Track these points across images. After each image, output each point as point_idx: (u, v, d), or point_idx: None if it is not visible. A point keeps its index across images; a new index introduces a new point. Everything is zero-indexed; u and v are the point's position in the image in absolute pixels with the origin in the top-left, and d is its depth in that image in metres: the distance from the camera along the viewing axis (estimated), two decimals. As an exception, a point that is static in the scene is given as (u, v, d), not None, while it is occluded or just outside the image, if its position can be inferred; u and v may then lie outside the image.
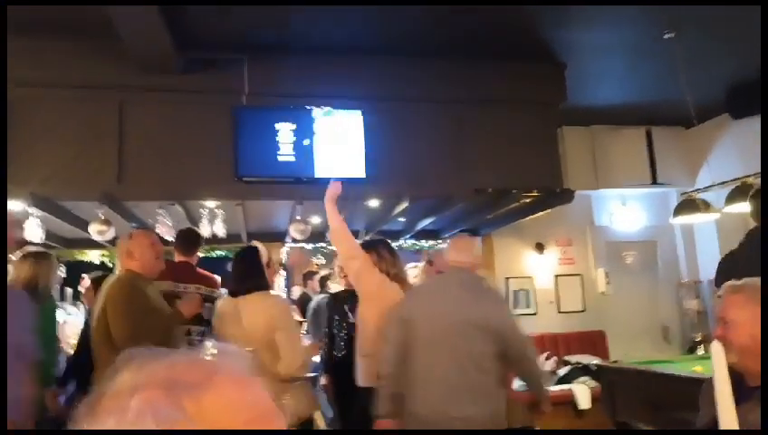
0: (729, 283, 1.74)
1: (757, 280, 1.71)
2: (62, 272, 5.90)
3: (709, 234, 6.28)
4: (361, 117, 4.55)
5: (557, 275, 6.69)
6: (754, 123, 5.52)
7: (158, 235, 3.45)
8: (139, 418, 0.47)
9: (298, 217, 4.98)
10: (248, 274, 3.09)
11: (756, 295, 1.64)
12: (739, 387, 1.63)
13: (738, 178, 4.34)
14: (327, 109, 4.50)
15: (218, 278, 3.88)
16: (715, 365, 0.96)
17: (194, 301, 3.14)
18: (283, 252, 6.86)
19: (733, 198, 4.16)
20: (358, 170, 4.49)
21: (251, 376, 0.55)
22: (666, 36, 4.26)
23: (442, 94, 4.77)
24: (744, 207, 4.16)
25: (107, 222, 4.38)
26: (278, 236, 6.61)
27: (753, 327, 1.61)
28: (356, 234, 5.28)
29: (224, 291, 3.58)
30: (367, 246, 3.24)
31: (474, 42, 4.49)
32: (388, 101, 4.68)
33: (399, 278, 3.17)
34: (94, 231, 4.37)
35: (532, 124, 4.93)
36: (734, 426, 0.91)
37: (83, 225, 4.85)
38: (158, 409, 0.48)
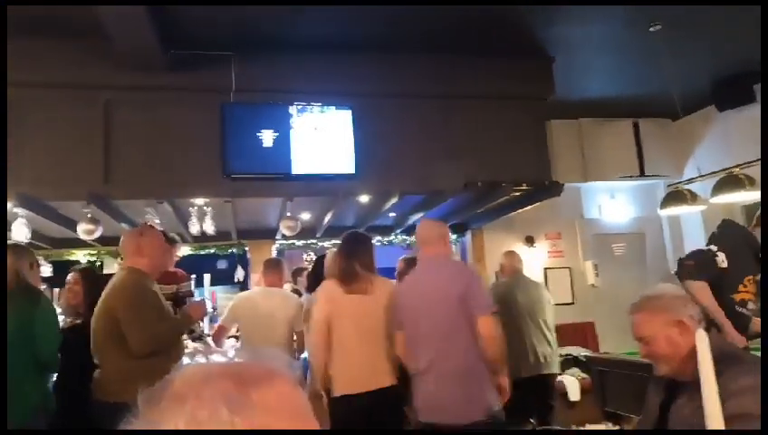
0: (632, 303, 1.83)
1: (652, 289, 1.82)
2: (48, 270, 5.86)
3: (695, 225, 6.35)
4: (350, 113, 4.54)
5: (546, 268, 6.74)
6: (739, 115, 5.58)
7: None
8: (214, 403, 0.52)
9: (288, 214, 4.97)
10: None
11: (654, 304, 1.75)
12: (672, 385, 1.69)
13: (724, 169, 4.38)
14: (316, 105, 4.49)
15: (184, 273, 4.10)
16: (700, 356, 0.97)
17: (202, 305, 3.19)
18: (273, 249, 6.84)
19: (719, 188, 4.20)
20: (347, 166, 4.48)
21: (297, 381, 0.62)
22: (651, 29, 4.29)
23: (431, 89, 4.78)
24: (730, 197, 4.22)
25: (95, 221, 4.34)
26: (268, 233, 6.59)
27: (666, 333, 1.71)
28: (347, 229, 5.27)
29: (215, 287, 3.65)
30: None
31: (462, 37, 4.49)
32: (376, 96, 4.67)
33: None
34: (82, 231, 4.34)
35: (520, 118, 4.95)
36: (719, 418, 0.92)
37: (71, 224, 4.81)
38: (230, 396, 0.52)
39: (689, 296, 1.79)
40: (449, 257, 3.18)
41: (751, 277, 3.36)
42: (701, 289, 3.22)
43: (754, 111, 5.31)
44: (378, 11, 3.99)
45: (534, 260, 6.71)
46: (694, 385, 1.53)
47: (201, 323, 4.44)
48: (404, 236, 7.10)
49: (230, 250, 7.12)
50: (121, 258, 3.50)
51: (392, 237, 7.10)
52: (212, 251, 7.11)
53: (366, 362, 2.99)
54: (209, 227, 4.97)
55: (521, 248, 6.73)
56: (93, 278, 3.51)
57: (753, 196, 4.17)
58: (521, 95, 4.97)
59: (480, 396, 2.71)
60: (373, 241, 3.40)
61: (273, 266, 4.23)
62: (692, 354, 1.58)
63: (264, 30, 4.21)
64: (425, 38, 4.49)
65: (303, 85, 4.53)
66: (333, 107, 4.53)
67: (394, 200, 4.88)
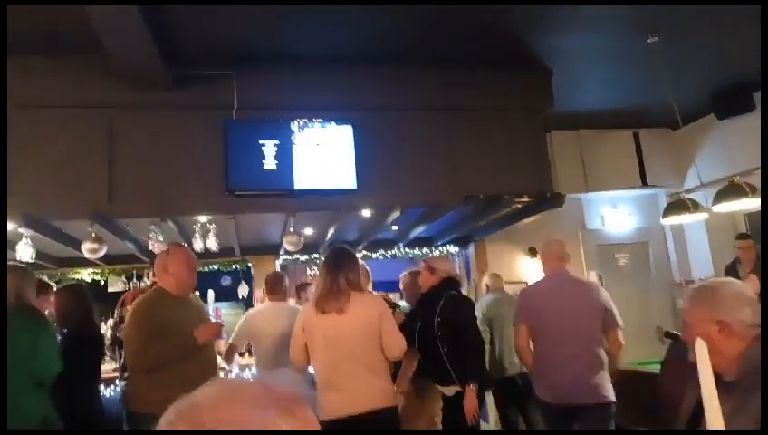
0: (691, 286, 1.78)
1: (712, 281, 1.74)
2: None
3: (699, 233, 6.34)
4: (351, 127, 4.57)
5: (550, 279, 6.72)
6: (739, 123, 5.60)
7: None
8: (280, 418, 0.60)
9: (291, 229, 4.99)
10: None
11: (703, 295, 1.67)
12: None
13: (725, 178, 4.39)
14: (317, 121, 4.52)
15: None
16: (699, 365, 0.97)
17: (211, 328, 3.10)
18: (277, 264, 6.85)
19: (720, 197, 4.21)
20: (349, 181, 4.50)
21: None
22: (649, 40, 4.32)
23: (431, 103, 4.81)
24: (732, 205, 4.22)
25: (99, 240, 4.36)
26: (271, 249, 6.60)
27: (704, 329, 1.61)
28: (350, 244, 5.25)
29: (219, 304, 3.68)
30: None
31: (461, 51, 4.53)
32: (377, 110, 4.71)
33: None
34: (87, 250, 4.35)
35: (520, 130, 4.98)
36: (720, 424, 0.92)
37: (75, 243, 4.83)
38: (287, 413, 0.60)
39: (753, 300, 1.65)
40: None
41: None
42: None
43: (754, 119, 5.33)
44: (377, 25, 4.04)
45: (538, 271, 6.69)
46: (735, 386, 1.52)
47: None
48: (407, 250, 7.11)
49: (233, 266, 7.14)
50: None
51: (395, 251, 7.10)
52: (215, 268, 7.13)
53: (346, 384, 2.89)
54: (213, 244, 4.99)
55: (524, 259, 6.74)
56: (73, 293, 3.74)
57: (755, 203, 4.18)
58: (520, 107, 4.99)
59: (605, 383, 3.33)
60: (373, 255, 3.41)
61: (279, 282, 4.24)
62: (735, 358, 1.56)
63: (264, 47, 4.25)
64: (424, 52, 4.53)
65: (304, 101, 4.56)
66: (334, 122, 4.56)
67: (396, 214, 4.90)
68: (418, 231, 6.10)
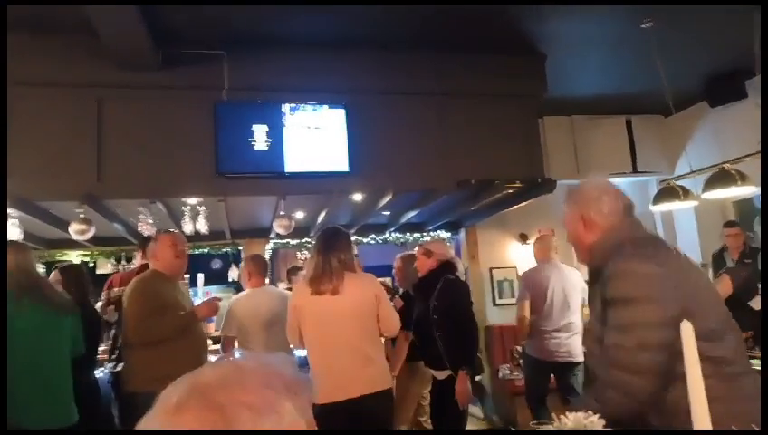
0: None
1: (580, 182, 1.95)
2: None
3: (688, 219, 6.38)
4: (344, 111, 4.54)
5: (541, 265, 6.75)
6: (731, 111, 5.61)
7: (180, 233, 3.77)
8: (289, 401, 0.60)
9: (282, 213, 4.96)
10: None
11: (570, 196, 1.90)
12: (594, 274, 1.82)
13: (716, 165, 4.40)
14: (309, 103, 4.48)
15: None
16: (684, 345, 0.97)
17: (210, 305, 3.33)
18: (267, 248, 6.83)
19: (710, 184, 4.22)
20: (341, 164, 4.48)
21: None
22: (643, 26, 4.30)
23: (424, 87, 4.78)
24: (722, 193, 4.24)
25: (87, 221, 4.31)
26: (262, 232, 6.58)
27: (572, 226, 1.87)
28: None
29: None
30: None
31: (455, 35, 4.49)
32: (370, 94, 4.67)
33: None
34: (74, 231, 4.31)
35: (513, 116, 4.96)
36: (706, 409, 0.92)
37: (63, 225, 4.78)
38: (295, 396, 0.60)
39: (611, 190, 1.85)
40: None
41: None
42: None
43: (746, 107, 5.34)
44: (370, 9, 3.99)
45: (528, 257, 6.71)
46: (602, 272, 1.70)
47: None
48: (398, 235, 7.10)
49: (224, 250, 7.11)
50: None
51: (386, 236, 7.10)
52: (206, 251, 7.09)
53: (341, 367, 2.83)
54: (203, 227, 4.96)
55: (515, 245, 6.76)
56: (74, 275, 3.78)
57: (745, 191, 4.19)
58: (514, 93, 4.97)
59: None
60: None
61: (264, 265, 4.18)
62: (595, 247, 1.77)
63: (256, 28, 4.19)
64: (418, 36, 4.48)
65: (296, 83, 4.52)
66: (326, 105, 4.52)
67: (388, 198, 4.88)
68: (410, 216, 6.10)
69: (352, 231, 6.55)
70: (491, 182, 4.87)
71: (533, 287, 4.39)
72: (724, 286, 3.59)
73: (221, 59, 4.30)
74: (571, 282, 4.39)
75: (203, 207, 4.85)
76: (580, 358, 4.15)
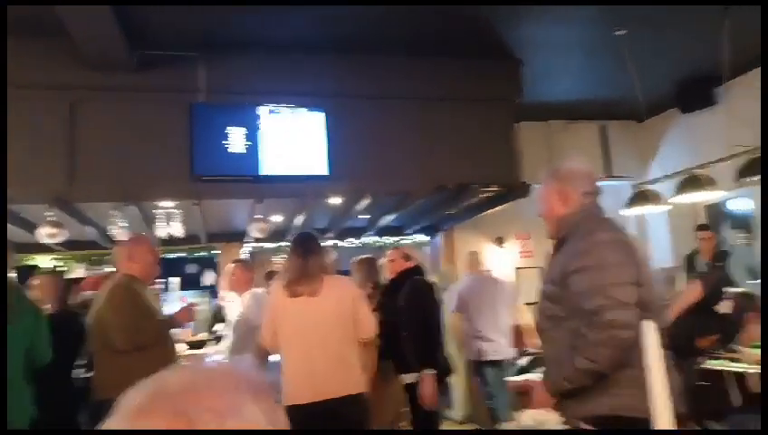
0: None
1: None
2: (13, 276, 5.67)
3: (661, 225, 6.49)
4: (323, 114, 4.52)
5: (518, 268, 6.81)
6: (702, 117, 5.73)
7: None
8: (255, 404, 0.58)
9: (258, 216, 4.92)
10: None
11: (551, 173, 2.14)
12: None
13: (687, 170, 4.49)
14: (288, 106, 4.46)
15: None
16: (647, 348, 0.98)
17: (187, 311, 3.37)
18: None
19: (680, 189, 4.31)
20: (320, 168, 4.46)
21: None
22: (616, 33, 4.37)
23: (401, 92, 4.79)
24: (691, 197, 4.33)
25: (57, 224, 4.22)
26: (238, 236, 6.51)
27: (547, 198, 2.11)
28: (320, 231, 5.20)
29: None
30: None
31: (432, 40, 4.52)
32: (349, 98, 4.66)
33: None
34: (44, 234, 4.22)
35: (490, 120, 5.00)
36: (670, 417, 0.94)
37: (32, 228, 4.67)
38: (261, 399, 0.59)
39: (589, 172, 2.14)
40: None
41: None
42: None
43: (717, 112, 5.46)
44: (347, 13, 3.99)
45: (505, 260, 6.77)
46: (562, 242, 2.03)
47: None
48: (376, 238, 7.10)
49: (199, 254, 7.02)
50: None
51: (364, 239, 7.09)
52: (182, 255, 7.00)
53: (315, 369, 2.80)
54: (178, 230, 4.89)
55: (491, 248, 6.80)
56: (52, 280, 3.78)
57: (714, 196, 4.29)
58: (490, 97, 5.01)
59: None
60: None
61: (252, 270, 4.23)
62: (564, 219, 2.04)
63: (234, 31, 4.16)
64: (395, 41, 4.50)
65: (274, 87, 4.49)
66: (305, 109, 4.51)
67: (366, 202, 4.88)
68: (388, 219, 6.10)
69: (331, 234, 6.53)
70: (468, 186, 4.90)
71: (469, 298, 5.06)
72: (695, 292, 3.64)
73: (197, 61, 4.26)
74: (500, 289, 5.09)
75: (179, 211, 4.78)
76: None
